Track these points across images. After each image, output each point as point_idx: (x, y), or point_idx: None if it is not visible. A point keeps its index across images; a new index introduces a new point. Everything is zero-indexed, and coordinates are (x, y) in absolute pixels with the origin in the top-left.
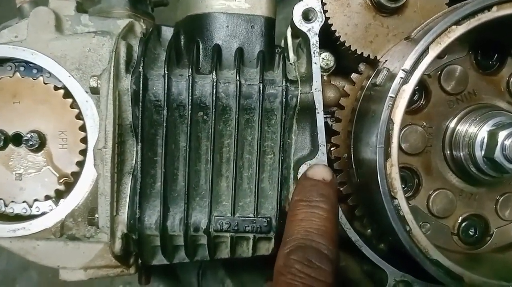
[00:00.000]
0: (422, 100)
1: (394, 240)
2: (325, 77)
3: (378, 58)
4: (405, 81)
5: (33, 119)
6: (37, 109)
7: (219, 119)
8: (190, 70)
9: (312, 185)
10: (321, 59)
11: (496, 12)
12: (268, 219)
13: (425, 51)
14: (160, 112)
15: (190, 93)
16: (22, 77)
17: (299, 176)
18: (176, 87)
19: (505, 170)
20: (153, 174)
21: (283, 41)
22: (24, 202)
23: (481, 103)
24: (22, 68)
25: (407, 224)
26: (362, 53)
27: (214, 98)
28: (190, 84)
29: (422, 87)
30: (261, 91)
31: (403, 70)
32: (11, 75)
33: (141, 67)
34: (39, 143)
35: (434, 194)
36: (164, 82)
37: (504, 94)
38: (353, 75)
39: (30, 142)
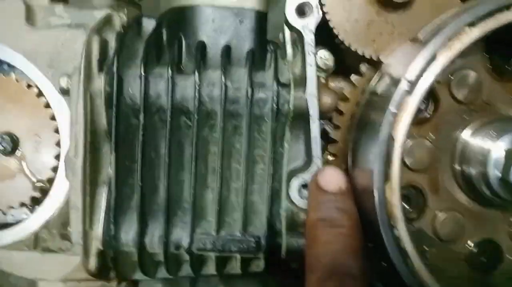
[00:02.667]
0: (430, 109)
1: (391, 275)
2: (322, 79)
3: (381, 59)
4: (408, 92)
5: (5, 119)
6: (9, 109)
7: (204, 125)
8: (169, 70)
9: (329, 200)
10: (319, 59)
11: None
12: (257, 238)
13: (433, 58)
14: (138, 116)
15: (170, 97)
16: None
17: (291, 192)
18: (155, 90)
19: None
20: (131, 184)
21: (281, 35)
22: None
23: (497, 114)
24: None
25: (408, 258)
26: (363, 53)
27: (196, 103)
28: (170, 87)
29: (429, 95)
30: (250, 96)
31: (406, 80)
32: None
33: (115, 66)
34: (12, 146)
35: (442, 215)
36: (141, 84)
37: None
38: (353, 77)
39: (2, 145)
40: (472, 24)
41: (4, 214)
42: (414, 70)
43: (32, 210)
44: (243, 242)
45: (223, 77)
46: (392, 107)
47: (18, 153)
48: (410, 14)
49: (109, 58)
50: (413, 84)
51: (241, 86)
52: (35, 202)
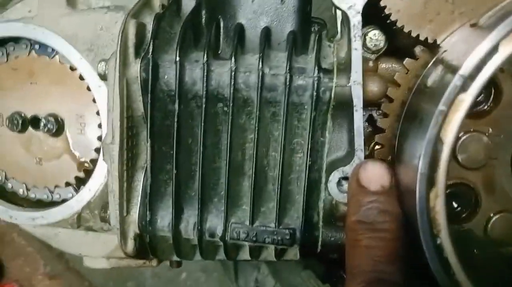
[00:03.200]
0: (490, 101)
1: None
2: (371, 63)
3: (438, 43)
4: (463, 89)
5: (50, 101)
6: (53, 91)
7: (241, 112)
8: (205, 56)
9: (370, 202)
10: (369, 39)
11: None
12: (291, 230)
13: (494, 49)
14: (175, 102)
15: (205, 84)
16: (38, 55)
17: (330, 184)
18: (190, 76)
19: None
20: (169, 170)
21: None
22: (45, 187)
23: None
24: (37, 46)
25: (451, 269)
26: (418, 35)
27: (232, 91)
28: (205, 74)
29: (490, 85)
30: (288, 83)
31: (460, 75)
32: (27, 54)
33: (150, 53)
34: (57, 127)
35: (496, 217)
36: (176, 71)
37: None
38: (407, 61)
39: (48, 127)
40: None
41: (51, 192)
42: (470, 64)
43: (77, 190)
44: (277, 234)
45: (260, 64)
46: (442, 106)
47: (63, 134)
48: None
49: (145, 43)
50: (468, 80)
51: (279, 73)
52: (80, 181)
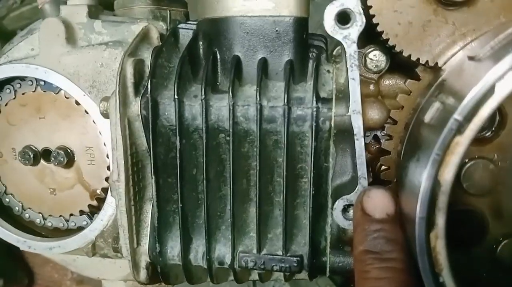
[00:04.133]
0: (494, 126)
1: None
2: (372, 87)
3: (439, 65)
4: (458, 132)
5: (59, 134)
6: (62, 124)
7: (243, 141)
8: (203, 91)
9: (376, 230)
10: (369, 60)
11: None
12: (299, 258)
13: (490, 91)
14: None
15: (205, 119)
16: (44, 91)
17: (335, 212)
18: (190, 112)
19: None
20: (176, 200)
21: None
22: (60, 216)
23: None
24: (42, 83)
25: None
26: (418, 59)
27: (231, 124)
28: (204, 109)
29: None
30: (286, 115)
31: (455, 119)
32: (33, 90)
33: (149, 91)
34: (67, 159)
35: (504, 241)
36: (175, 107)
37: None
38: (409, 83)
39: (59, 159)
40: None
41: (67, 220)
42: (465, 108)
43: (91, 217)
44: (285, 262)
45: (258, 97)
46: (437, 150)
47: (74, 164)
48: (474, 11)
49: (145, 79)
50: (464, 122)
51: (278, 105)
52: (94, 209)
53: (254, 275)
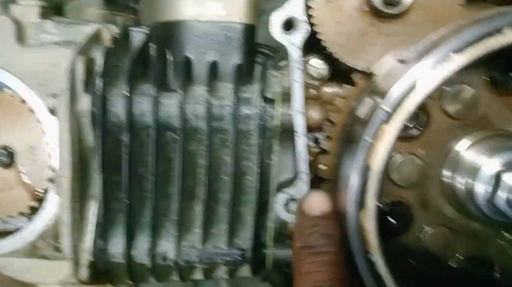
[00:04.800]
0: (421, 125)
1: None
2: (314, 90)
3: (374, 73)
4: (385, 121)
5: (1, 133)
6: (4, 123)
7: (190, 140)
8: (153, 88)
9: (312, 226)
10: (311, 68)
11: (508, 36)
12: (242, 251)
13: (412, 86)
14: (124, 133)
15: (155, 116)
16: None
17: (277, 206)
18: (139, 109)
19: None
20: (121, 198)
21: None
22: None
23: (494, 131)
24: None
25: (382, 282)
26: (355, 66)
27: (181, 121)
28: (154, 107)
29: (420, 110)
30: (234, 114)
31: (383, 109)
32: None
33: (99, 88)
34: (9, 159)
35: (429, 230)
36: (125, 104)
37: None
38: (345, 88)
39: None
40: (459, 50)
41: (4, 222)
42: (391, 99)
43: (30, 219)
44: (228, 255)
45: (207, 95)
46: (367, 137)
47: (15, 165)
48: (406, 22)
49: (94, 77)
50: (390, 113)
51: (226, 103)
52: (34, 211)
53: (198, 274)
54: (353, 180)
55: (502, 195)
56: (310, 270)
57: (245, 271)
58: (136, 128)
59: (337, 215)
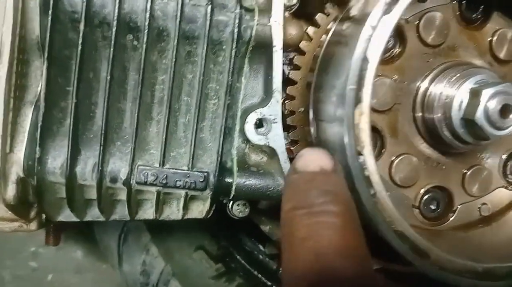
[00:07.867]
0: (397, 48)
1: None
2: (286, 15)
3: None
4: (387, 12)
5: None
6: None
7: (153, 48)
8: None
9: (307, 181)
10: None
11: None
12: (205, 173)
13: None
14: (77, 28)
15: (117, 7)
16: None
17: (247, 126)
18: None
19: (485, 135)
20: (64, 107)
21: None
22: None
23: (460, 60)
24: None
25: (371, 187)
26: None
27: (147, 17)
28: None
29: (397, 34)
30: (209, 16)
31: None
32: None
33: None
34: None
35: (398, 159)
36: None
37: (485, 54)
38: (319, 16)
39: None
40: None
41: None
42: None
43: None
44: (190, 176)
45: None
46: (368, 28)
47: None
48: None
49: None
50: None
51: (200, 4)
52: None
53: (146, 212)
54: (352, 72)
55: (480, 111)
56: (306, 235)
57: (201, 210)
58: (92, 22)
59: (342, 174)
